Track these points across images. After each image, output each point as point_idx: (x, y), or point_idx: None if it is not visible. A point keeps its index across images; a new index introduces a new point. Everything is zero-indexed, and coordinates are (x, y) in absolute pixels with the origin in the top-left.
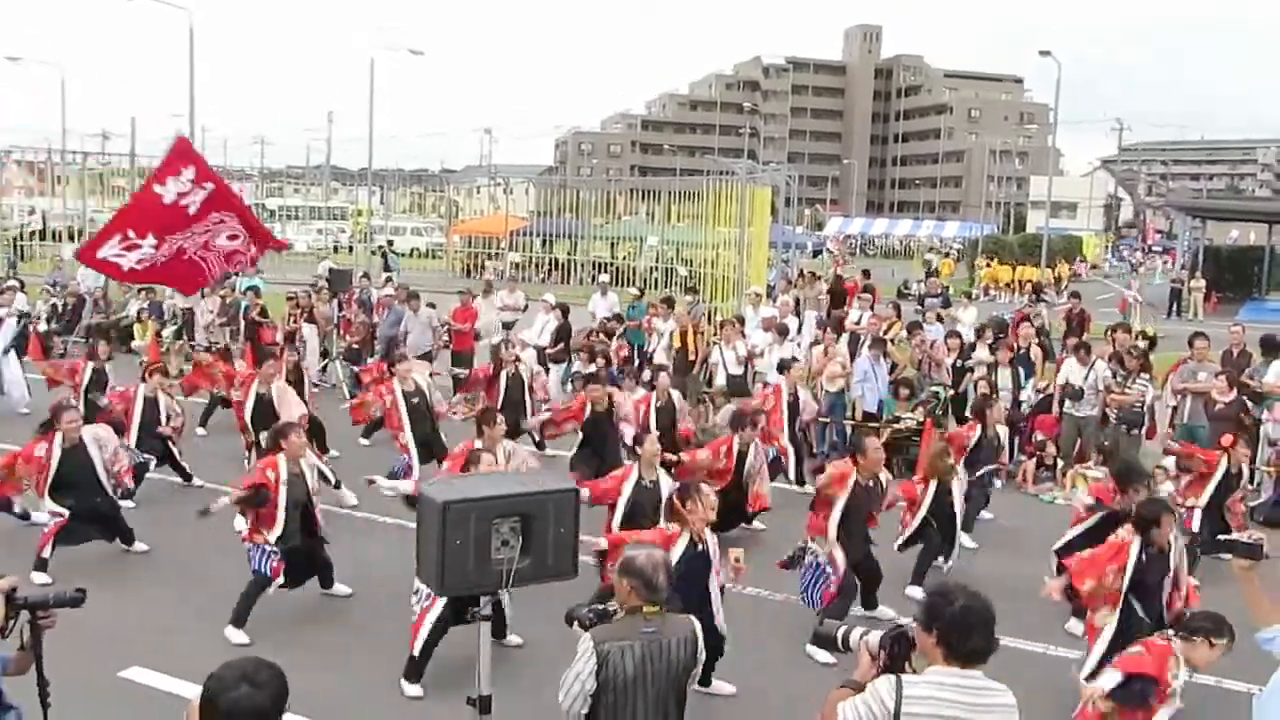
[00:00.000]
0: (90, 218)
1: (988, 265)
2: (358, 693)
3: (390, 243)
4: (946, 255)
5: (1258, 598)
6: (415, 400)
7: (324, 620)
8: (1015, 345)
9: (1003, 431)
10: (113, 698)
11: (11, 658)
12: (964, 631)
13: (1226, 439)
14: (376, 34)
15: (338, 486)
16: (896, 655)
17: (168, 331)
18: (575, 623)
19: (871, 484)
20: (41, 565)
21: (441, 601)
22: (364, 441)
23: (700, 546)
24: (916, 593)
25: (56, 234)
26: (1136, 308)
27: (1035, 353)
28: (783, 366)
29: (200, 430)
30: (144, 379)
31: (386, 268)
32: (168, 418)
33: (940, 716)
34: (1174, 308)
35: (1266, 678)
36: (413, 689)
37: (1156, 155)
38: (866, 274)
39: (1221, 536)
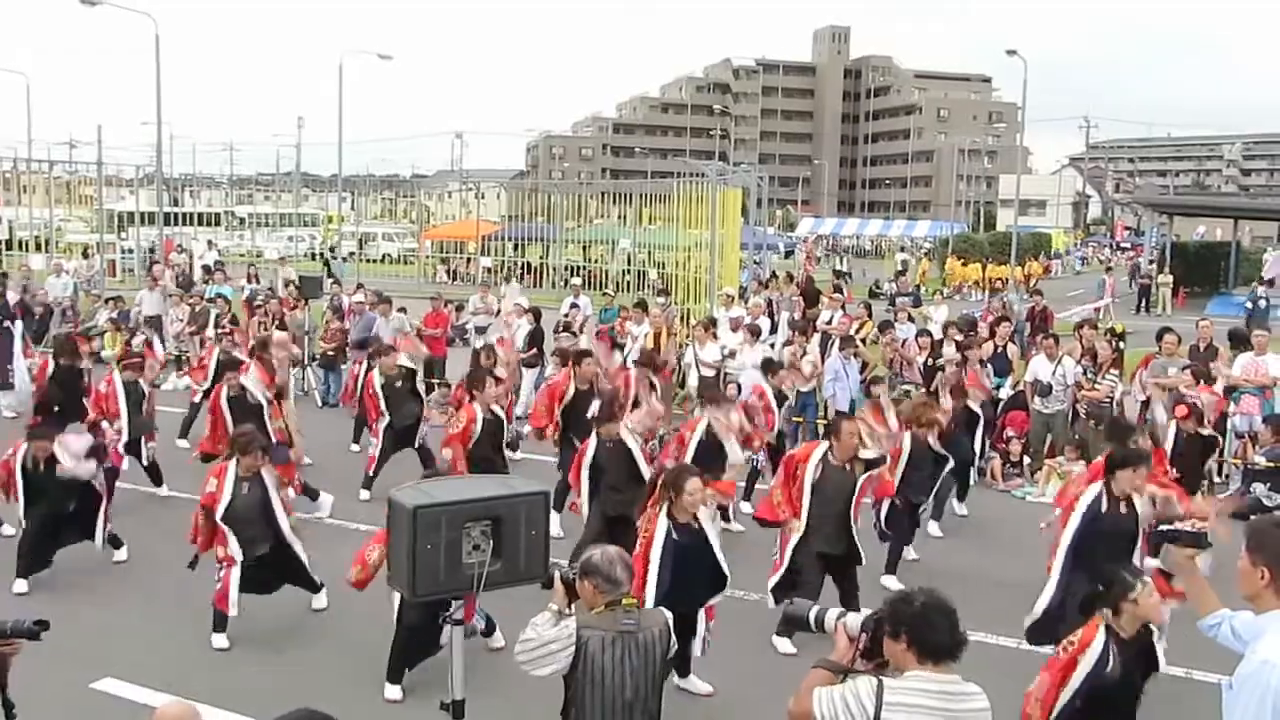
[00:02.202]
0: (57, 226)
1: (963, 264)
2: (333, 697)
3: (332, 249)
4: (927, 255)
5: (1200, 586)
6: (398, 385)
7: (300, 625)
8: (994, 344)
9: (975, 402)
10: (84, 709)
11: None
12: (929, 628)
13: (1179, 410)
14: (345, 39)
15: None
16: (877, 638)
17: (137, 340)
18: (554, 580)
19: (847, 468)
20: (24, 572)
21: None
22: (354, 447)
23: (696, 525)
24: (891, 583)
25: (24, 244)
26: (1110, 308)
27: (1012, 351)
28: (768, 366)
29: (182, 442)
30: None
31: (329, 274)
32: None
33: None
34: (1142, 303)
35: (1235, 668)
36: (393, 691)
37: (1124, 153)
38: (838, 274)
39: (1164, 526)
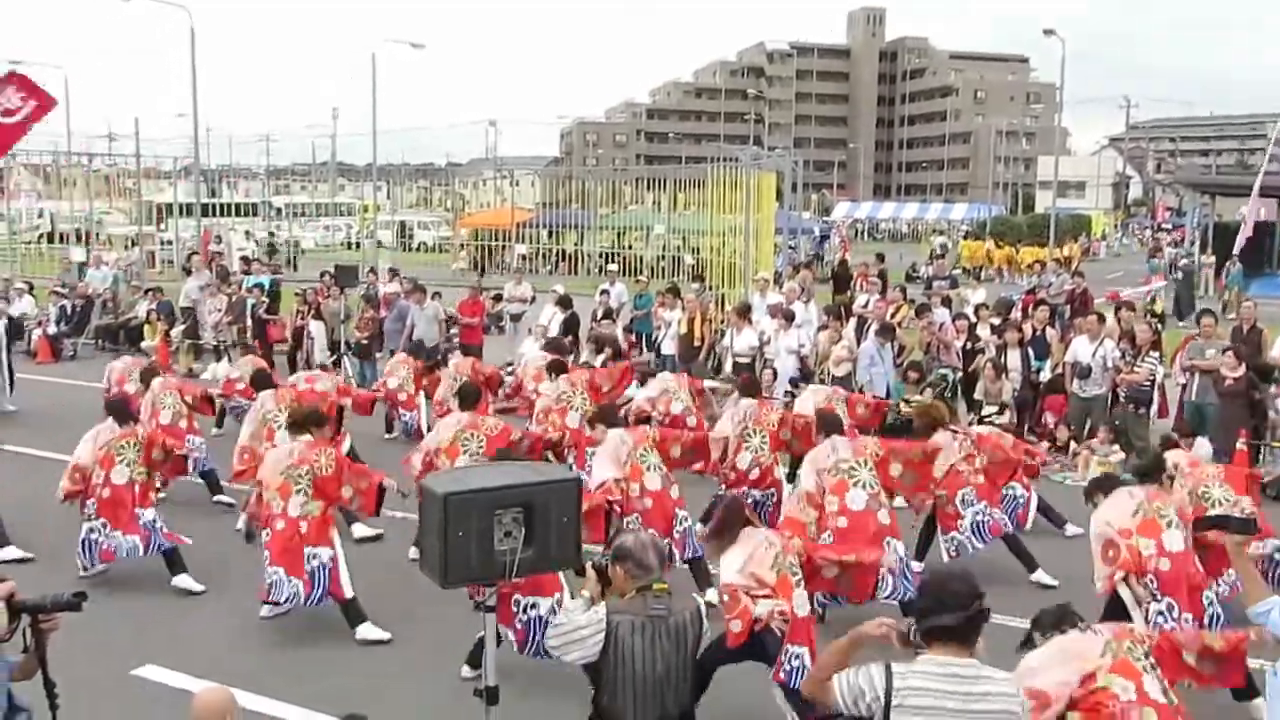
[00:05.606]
0: (98, 219)
1: (998, 247)
2: (370, 683)
3: (271, 234)
4: (973, 237)
5: (1250, 573)
6: None
7: (338, 612)
8: (1032, 326)
9: None
10: (124, 696)
11: (17, 662)
12: (932, 612)
13: None
14: (378, 29)
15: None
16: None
17: (176, 331)
18: (589, 566)
19: None
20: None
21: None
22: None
23: None
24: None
25: (64, 236)
26: (1162, 292)
27: (1051, 334)
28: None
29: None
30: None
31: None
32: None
33: (932, 708)
34: None
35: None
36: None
37: (1165, 132)
38: (881, 258)
39: (1213, 513)
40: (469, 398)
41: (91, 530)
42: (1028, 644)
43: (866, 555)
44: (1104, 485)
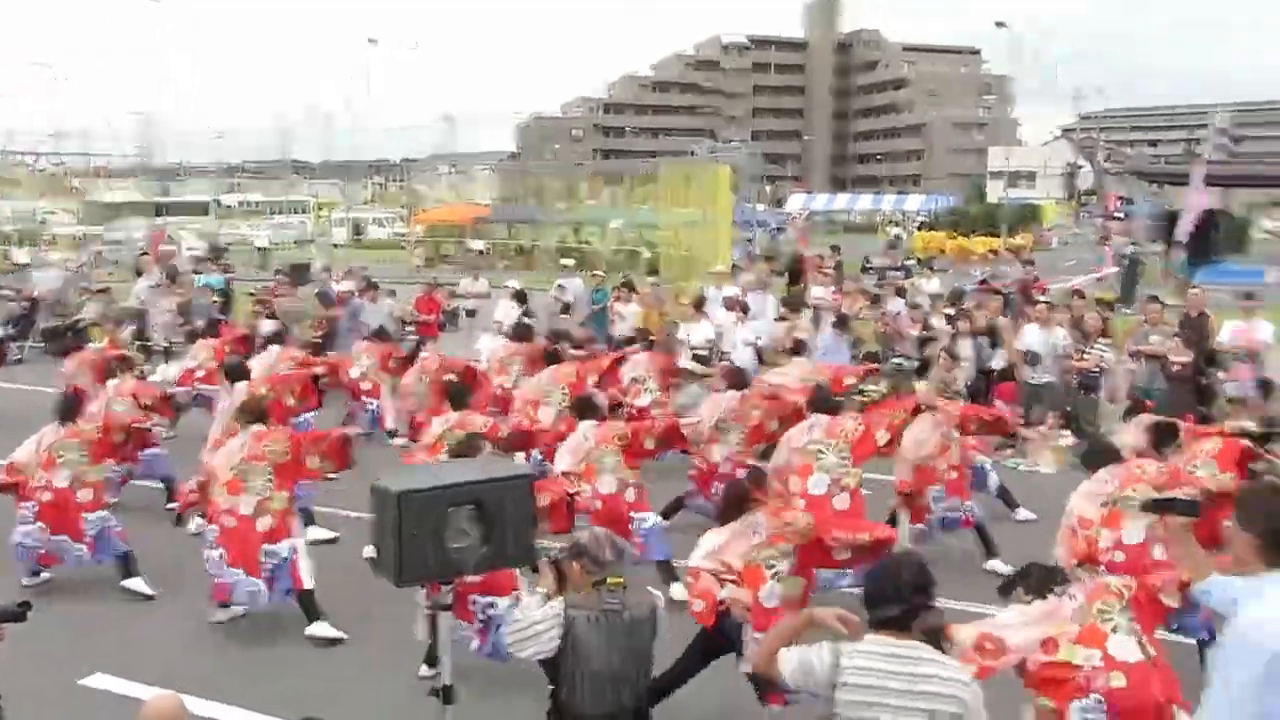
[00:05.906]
0: (41, 219)
1: (950, 237)
2: (323, 686)
3: (214, 234)
4: (927, 228)
5: (1194, 553)
6: None
7: (290, 615)
8: (986, 316)
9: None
10: (71, 706)
11: None
12: (874, 600)
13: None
14: (335, 26)
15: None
16: None
17: (125, 333)
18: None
19: None
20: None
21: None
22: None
23: None
24: None
25: (6, 237)
26: (1113, 278)
27: (1003, 323)
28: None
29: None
30: None
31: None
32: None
33: (875, 688)
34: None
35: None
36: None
37: (1116, 123)
38: (836, 250)
39: (1159, 495)
40: (459, 397)
41: (27, 534)
42: (1007, 591)
43: (881, 532)
44: (1097, 460)
